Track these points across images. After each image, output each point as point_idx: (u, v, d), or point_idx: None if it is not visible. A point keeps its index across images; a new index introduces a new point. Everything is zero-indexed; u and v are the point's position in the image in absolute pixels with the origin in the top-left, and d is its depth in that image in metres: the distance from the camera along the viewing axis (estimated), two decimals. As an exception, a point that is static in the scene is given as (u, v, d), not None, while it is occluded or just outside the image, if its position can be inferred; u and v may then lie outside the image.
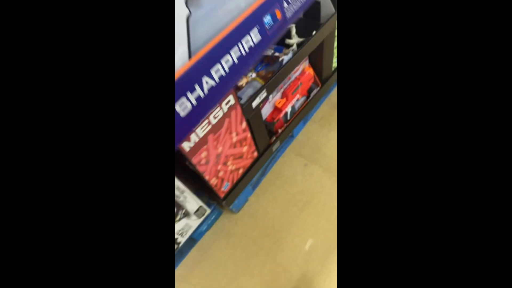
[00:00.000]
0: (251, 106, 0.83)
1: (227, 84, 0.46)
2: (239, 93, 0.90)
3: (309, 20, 1.08)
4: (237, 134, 0.84)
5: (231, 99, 0.74)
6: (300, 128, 1.33)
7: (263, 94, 0.85)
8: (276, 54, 0.89)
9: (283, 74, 0.88)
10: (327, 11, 1.01)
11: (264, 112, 1.09)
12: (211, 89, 0.46)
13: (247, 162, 0.98)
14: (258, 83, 0.89)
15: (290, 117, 1.17)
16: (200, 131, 0.69)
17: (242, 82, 0.89)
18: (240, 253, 1.06)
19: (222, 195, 0.94)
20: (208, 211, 1.02)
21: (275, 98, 1.09)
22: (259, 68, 0.94)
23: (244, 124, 0.85)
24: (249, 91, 0.90)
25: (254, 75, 0.91)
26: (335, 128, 1.32)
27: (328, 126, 1.33)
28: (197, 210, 0.95)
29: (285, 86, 1.10)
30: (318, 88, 1.23)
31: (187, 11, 0.41)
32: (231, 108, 0.75)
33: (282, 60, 0.87)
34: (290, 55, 0.88)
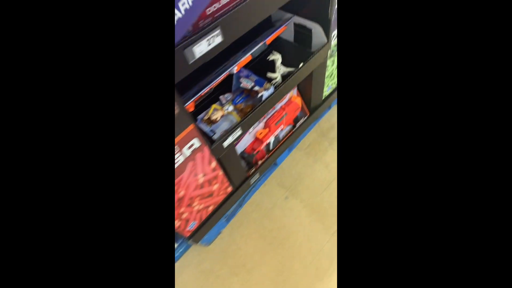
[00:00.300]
0: (222, 146, 0.75)
1: (191, 16, 0.49)
2: (213, 127, 0.82)
3: (299, 47, 1.00)
4: (204, 175, 0.76)
5: (195, 142, 0.66)
6: (285, 156, 1.25)
7: (238, 132, 0.77)
8: (256, 88, 0.81)
9: (262, 111, 0.80)
10: (318, 40, 0.93)
11: (243, 143, 1.01)
12: (179, 20, 0.49)
13: (219, 199, 0.91)
14: (234, 118, 0.81)
15: (273, 147, 1.09)
16: (156, 179, 0.61)
17: (217, 115, 0.81)
18: (206, 291, 0.99)
19: (187, 235, 0.87)
20: (175, 245, 0.95)
21: (257, 128, 1.01)
22: (237, 101, 0.86)
23: (214, 164, 0.77)
24: (224, 125, 0.82)
25: (231, 108, 0.83)
26: (321, 158, 1.24)
27: (314, 156, 1.25)
28: (160, 248, 0.87)
29: (268, 116, 1.02)
30: (306, 117, 1.16)
31: None
32: (195, 151, 0.67)
33: (262, 95, 0.79)
34: (271, 90, 0.80)
